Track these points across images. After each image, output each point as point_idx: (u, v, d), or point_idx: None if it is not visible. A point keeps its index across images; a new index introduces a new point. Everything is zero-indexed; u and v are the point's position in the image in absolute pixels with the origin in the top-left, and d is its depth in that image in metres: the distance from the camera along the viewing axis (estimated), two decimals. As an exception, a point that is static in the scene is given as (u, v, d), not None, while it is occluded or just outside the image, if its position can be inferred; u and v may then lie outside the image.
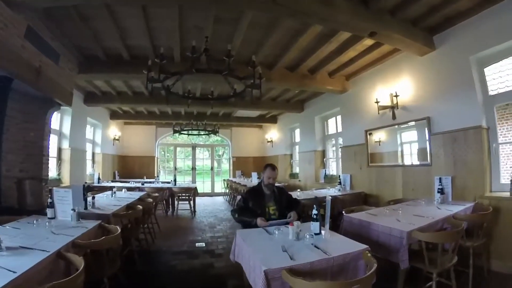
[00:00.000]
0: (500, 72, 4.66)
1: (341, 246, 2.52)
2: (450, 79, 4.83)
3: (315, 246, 2.45)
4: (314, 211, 2.86)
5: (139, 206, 4.46)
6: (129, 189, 7.75)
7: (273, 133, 13.28)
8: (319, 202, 4.60)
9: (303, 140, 10.51)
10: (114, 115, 11.36)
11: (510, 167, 5.11)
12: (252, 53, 5.33)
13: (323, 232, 2.83)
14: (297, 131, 11.46)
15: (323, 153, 9.38)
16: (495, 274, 3.84)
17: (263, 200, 3.62)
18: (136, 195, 6.08)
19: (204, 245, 5.39)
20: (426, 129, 5.27)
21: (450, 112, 4.83)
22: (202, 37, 3.91)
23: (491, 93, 4.50)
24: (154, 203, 5.65)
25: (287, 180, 10.98)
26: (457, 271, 3.12)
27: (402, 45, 4.94)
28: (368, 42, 5.36)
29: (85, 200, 4.15)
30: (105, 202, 4.93)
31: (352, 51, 5.70)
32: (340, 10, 3.88)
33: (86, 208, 4.11)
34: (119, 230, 2.86)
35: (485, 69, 4.54)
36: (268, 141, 13.45)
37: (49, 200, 3.62)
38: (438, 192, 4.60)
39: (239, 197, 5.79)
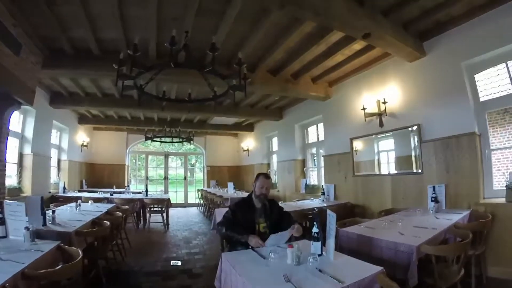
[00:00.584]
0: (491, 78, 4.72)
1: (351, 269, 2.16)
2: (441, 86, 4.74)
3: (321, 271, 2.05)
4: (315, 229, 2.46)
5: (106, 221, 3.87)
6: (97, 200, 7.10)
7: (249, 142, 12.87)
8: (306, 216, 4.17)
9: (282, 149, 10.17)
10: (82, 119, 10.51)
11: (505, 173, 5.07)
12: (234, 53, 4.97)
13: (324, 252, 2.44)
14: (275, 140, 11.12)
15: (303, 162, 9.07)
16: (492, 280, 3.77)
17: (253, 215, 3.14)
18: (104, 207, 5.45)
19: (180, 264, 4.82)
20: (416, 136, 5.16)
21: (441, 119, 4.73)
22: (181, 31, 3.47)
23: (482, 99, 4.44)
24: (124, 217, 5.04)
25: (265, 190, 10.54)
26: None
27: (393, 48, 4.75)
28: (357, 46, 5.19)
29: (44, 214, 3.52)
30: (67, 216, 4.28)
31: (340, 55, 5.48)
32: (336, 4, 3.58)
33: (44, 224, 3.49)
34: (81, 255, 2.30)
35: (475, 76, 4.49)
36: (244, 150, 13.00)
37: (-1, 216, 3.00)
38: (432, 200, 4.44)
39: (218, 212, 5.31)
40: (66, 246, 2.64)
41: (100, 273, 3.55)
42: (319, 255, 2.36)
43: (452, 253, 2.76)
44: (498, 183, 4.47)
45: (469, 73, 4.47)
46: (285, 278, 1.91)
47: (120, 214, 4.71)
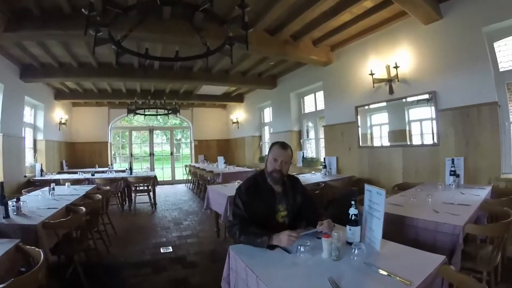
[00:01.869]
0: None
1: (406, 260, 1.70)
2: (460, 51, 4.34)
3: (371, 266, 1.55)
4: (353, 210, 1.93)
5: (82, 207, 3.22)
6: (77, 181, 6.40)
7: (239, 113, 12.19)
8: (312, 191, 3.51)
9: (276, 120, 9.54)
10: (59, 95, 9.51)
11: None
12: (228, 8, 4.26)
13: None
14: (267, 110, 10.54)
15: (300, 134, 8.52)
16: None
17: (272, 201, 2.30)
18: (82, 190, 4.73)
19: (171, 250, 4.27)
20: (432, 105, 4.73)
21: (460, 86, 4.32)
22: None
23: (501, 69, 4.09)
24: (105, 199, 4.42)
25: (257, 165, 10.04)
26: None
27: (412, 6, 4.20)
28: (368, 3, 4.61)
29: (5, 204, 2.84)
30: (38, 203, 3.54)
31: (348, 13, 4.86)
32: None
33: (7, 215, 2.82)
34: (42, 257, 1.68)
35: (495, 44, 4.12)
36: (234, 122, 12.35)
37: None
38: (451, 174, 4.00)
39: (211, 190, 4.74)
40: (27, 246, 1.98)
41: (79, 271, 2.94)
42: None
43: (498, 233, 2.38)
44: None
45: (489, 40, 4.08)
46: (332, 284, 1.37)
47: (100, 197, 4.04)
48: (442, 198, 3.21)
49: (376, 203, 1.90)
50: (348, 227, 1.93)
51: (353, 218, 1.92)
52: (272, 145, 2.40)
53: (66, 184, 5.24)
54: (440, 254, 2.15)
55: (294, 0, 4.33)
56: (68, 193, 4.42)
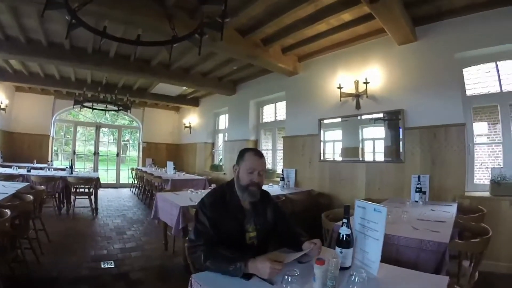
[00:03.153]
0: (479, 74, 4.56)
1: (409, 285, 1.53)
2: (431, 73, 4.55)
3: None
4: (345, 230, 1.66)
5: (7, 210, 2.59)
6: (9, 177, 5.65)
7: (192, 118, 11.62)
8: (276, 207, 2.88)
9: (232, 128, 9.18)
10: (1, 75, 8.24)
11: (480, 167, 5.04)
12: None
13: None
14: (223, 117, 10.15)
15: (257, 143, 8.25)
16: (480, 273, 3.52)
17: (242, 220, 1.93)
18: (13, 188, 4.00)
19: (113, 265, 3.69)
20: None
21: (428, 107, 4.50)
22: None
23: (468, 93, 4.39)
24: (39, 201, 3.79)
25: (209, 173, 9.57)
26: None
27: (393, 25, 4.26)
28: (347, 16, 4.58)
29: None
30: None
31: (325, 24, 4.77)
32: None
33: None
34: None
35: (464, 70, 4.41)
36: (186, 127, 11.77)
37: None
38: (417, 191, 4.02)
39: (161, 198, 4.27)
40: None
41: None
42: (345, 268, 1.61)
43: (481, 249, 2.39)
44: (477, 177, 4.45)
45: (459, 65, 4.36)
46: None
47: (32, 198, 3.39)
48: (415, 215, 3.16)
49: (373, 221, 1.66)
50: (338, 249, 1.66)
51: (344, 238, 1.66)
52: (244, 152, 2.00)
53: (-5, 180, 4.48)
54: (424, 272, 2.01)
55: (275, 0, 4.10)
56: (-5, 190, 3.67)
